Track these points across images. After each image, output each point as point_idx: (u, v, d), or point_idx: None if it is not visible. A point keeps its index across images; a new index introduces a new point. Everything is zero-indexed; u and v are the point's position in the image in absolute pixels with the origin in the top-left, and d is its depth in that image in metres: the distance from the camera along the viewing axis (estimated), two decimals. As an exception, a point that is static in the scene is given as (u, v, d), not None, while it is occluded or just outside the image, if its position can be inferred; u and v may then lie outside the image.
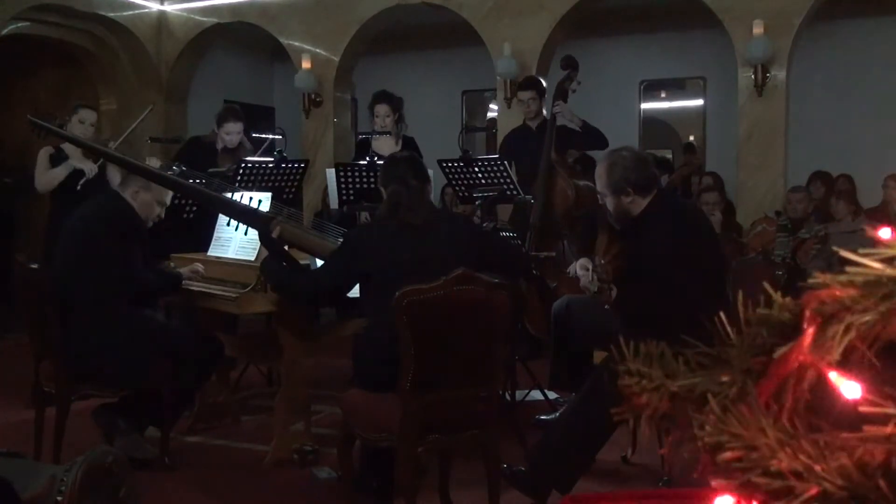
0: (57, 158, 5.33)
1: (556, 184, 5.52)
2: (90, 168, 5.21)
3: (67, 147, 5.29)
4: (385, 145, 5.67)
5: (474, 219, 4.55)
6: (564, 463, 3.34)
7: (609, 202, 3.45)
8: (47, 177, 5.31)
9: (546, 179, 5.46)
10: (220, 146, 5.65)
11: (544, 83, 6.21)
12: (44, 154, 5.36)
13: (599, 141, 5.82)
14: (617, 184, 3.38)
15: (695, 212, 3.96)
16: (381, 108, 5.64)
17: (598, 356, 3.87)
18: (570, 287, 4.41)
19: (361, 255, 3.29)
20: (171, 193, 4.18)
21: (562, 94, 5.67)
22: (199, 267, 4.21)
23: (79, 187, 5.14)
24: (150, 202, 3.96)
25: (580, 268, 3.61)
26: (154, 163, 4.93)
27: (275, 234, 3.66)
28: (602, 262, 3.45)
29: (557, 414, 4.45)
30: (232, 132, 5.61)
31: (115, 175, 4.98)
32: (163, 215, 4.14)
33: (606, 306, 3.48)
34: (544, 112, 6.03)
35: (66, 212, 4.28)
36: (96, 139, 5.34)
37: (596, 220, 3.86)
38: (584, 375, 3.54)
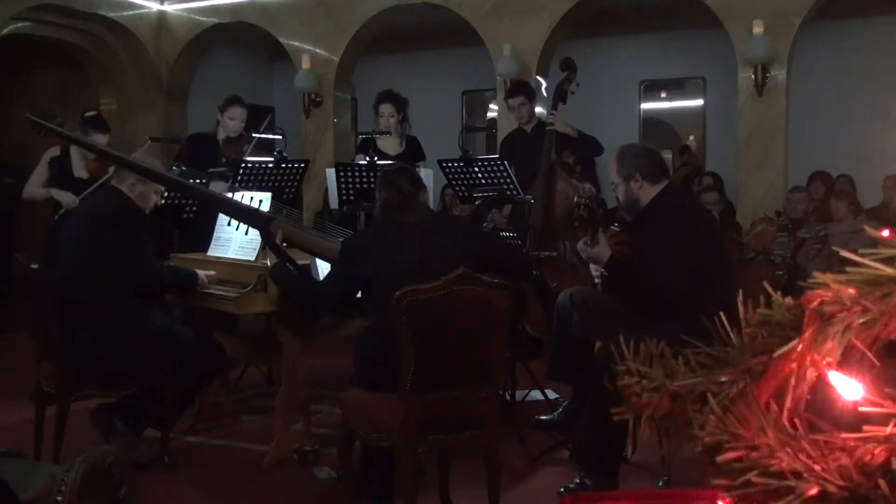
0: (58, 166, 5.27)
1: (557, 184, 5.52)
2: (68, 203, 5.15)
3: (73, 151, 5.27)
4: (389, 145, 5.68)
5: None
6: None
7: (620, 190, 3.63)
8: (30, 192, 5.29)
9: (547, 180, 5.47)
10: (221, 136, 5.64)
11: (542, 81, 6.21)
12: (45, 159, 5.31)
13: (595, 147, 5.84)
14: (626, 169, 3.58)
15: (700, 208, 4.09)
16: (386, 108, 5.64)
17: (601, 348, 3.96)
18: (569, 285, 4.43)
19: (362, 259, 3.30)
20: None
21: (561, 95, 5.67)
22: (214, 275, 4.17)
23: (56, 217, 5.11)
24: (147, 193, 3.93)
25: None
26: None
27: (276, 235, 3.66)
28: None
29: (556, 413, 4.47)
30: (236, 117, 5.59)
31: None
32: (160, 202, 4.12)
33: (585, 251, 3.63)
34: (540, 110, 6.04)
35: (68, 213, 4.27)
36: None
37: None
38: (583, 366, 3.60)
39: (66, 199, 5.16)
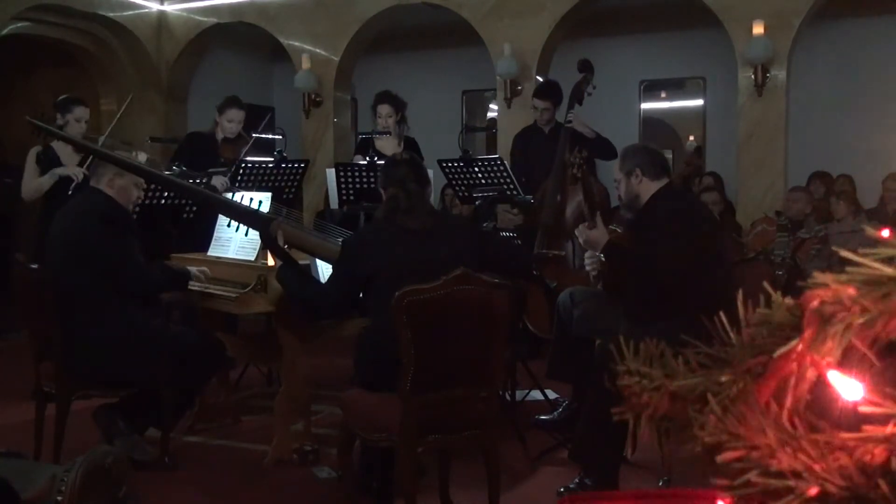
0: (46, 159, 5.27)
1: (568, 183, 5.53)
2: (75, 172, 5.16)
3: (58, 146, 5.26)
4: (387, 145, 5.69)
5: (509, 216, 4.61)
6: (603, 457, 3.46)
7: (622, 187, 3.70)
8: (32, 186, 5.28)
9: (559, 179, 5.48)
10: (219, 136, 5.64)
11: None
12: (31, 157, 5.29)
13: (609, 151, 5.84)
14: (627, 165, 3.66)
15: (698, 206, 4.10)
16: (384, 109, 5.65)
17: (601, 348, 3.97)
18: (571, 285, 4.43)
19: (362, 258, 3.29)
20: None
21: (577, 96, 5.71)
22: (207, 271, 4.17)
23: (70, 191, 5.08)
24: (127, 187, 3.89)
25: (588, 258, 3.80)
26: (141, 157, 4.91)
27: (276, 236, 3.65)
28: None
29: (556, 413, 4.47)
30: (234, 120, 5.60)
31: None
32: (141, 197, 4.10)
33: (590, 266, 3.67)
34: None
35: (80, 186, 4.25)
36: (87, 136, 5.31)
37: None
38: (583, 366, 3.60)
39: (72, 169, 5.16)
